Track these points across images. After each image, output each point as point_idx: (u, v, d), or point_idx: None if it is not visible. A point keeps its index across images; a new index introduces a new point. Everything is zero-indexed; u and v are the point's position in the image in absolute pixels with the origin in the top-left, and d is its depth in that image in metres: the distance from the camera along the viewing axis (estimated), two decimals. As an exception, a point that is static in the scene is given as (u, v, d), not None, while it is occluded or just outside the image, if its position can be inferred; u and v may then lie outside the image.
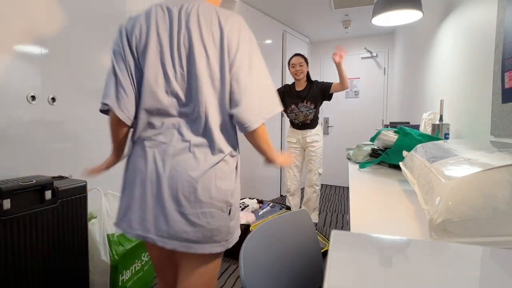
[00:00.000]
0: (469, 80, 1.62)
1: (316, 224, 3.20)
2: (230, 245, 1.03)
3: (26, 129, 1.57)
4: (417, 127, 2.06)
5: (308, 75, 3.00)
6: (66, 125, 1.78)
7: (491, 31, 1.35)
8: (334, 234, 0.52)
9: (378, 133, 1.55)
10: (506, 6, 1.19)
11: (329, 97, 2.99)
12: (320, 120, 5.46)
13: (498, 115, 1.25)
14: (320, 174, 3.12)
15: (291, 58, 3.00)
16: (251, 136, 1.03)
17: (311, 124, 3.06)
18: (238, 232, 1.09)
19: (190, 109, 1.00)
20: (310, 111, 3.00)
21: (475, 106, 1.53)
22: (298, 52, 3.03)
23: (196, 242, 0.96)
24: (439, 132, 1.62)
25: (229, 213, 1.02)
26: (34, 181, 1.35)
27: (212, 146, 1.00)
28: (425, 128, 1.89)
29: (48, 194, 1.40)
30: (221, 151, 1.01)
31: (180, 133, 1.00)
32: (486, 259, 0.44)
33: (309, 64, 3.01)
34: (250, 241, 0.83)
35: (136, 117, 1.04)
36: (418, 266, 0.42)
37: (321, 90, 2.94)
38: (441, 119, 1.65)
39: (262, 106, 1.01)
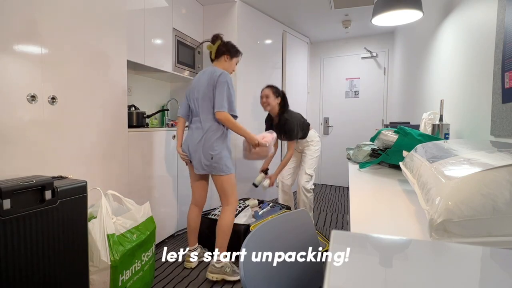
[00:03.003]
0: (469, 80, 1.62)
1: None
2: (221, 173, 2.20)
3: (26, 129, 1.57)
4: (417, 127, 2.06)
5: (283, 106, 2.93)
6: (66, 125, 1.78)
7: (491, 31, 1.35)
8: (334, 234, 0.52)
9: (378, 133, 1.55)
10: (506, 6, 1.19)
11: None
12: (320, 120, 5.47)
13: (498, 115, 1.25)
14: (309, 175, 2.98)
15: (262, 90, 2.95)
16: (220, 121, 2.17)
17: (301, 138, 3.03)
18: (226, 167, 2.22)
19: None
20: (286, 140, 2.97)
21: (475, 106, 1.53)
22: (270, 84, 2.97)
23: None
24: (439, 132, 1.62)
25: (211, 158, 2.16)
26: (34, 181, 1.35)
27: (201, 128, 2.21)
28: (425, 128, 1.89)
29: (48, 194, 1.40)
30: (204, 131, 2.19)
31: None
32: (486, 259, 0.44)
33: (281, 96, 2.92)
34: (250, 241, 0.83)
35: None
36: (418, 266, 0.42)
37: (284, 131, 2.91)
38: (441, 119, 1.65)
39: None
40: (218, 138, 2.18)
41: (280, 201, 3.17)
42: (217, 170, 2.18)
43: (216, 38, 2.32)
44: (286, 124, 2.84)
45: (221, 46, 2.31)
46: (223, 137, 2.21)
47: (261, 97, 2.90)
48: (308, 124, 3.07)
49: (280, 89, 2.96)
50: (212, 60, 2.37)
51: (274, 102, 2.86)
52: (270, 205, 3.00)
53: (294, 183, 3.20)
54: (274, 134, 2.59)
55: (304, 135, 3.01)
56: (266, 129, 3.09)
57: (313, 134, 3.08)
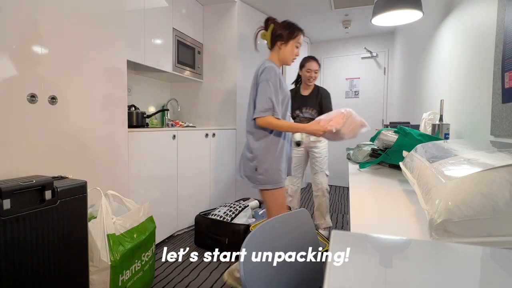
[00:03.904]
0: (469, 80, 1.62)
1: (330, 228, 3.09)
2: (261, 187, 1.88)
3: (26, 129, 1.57)
4: (417, 127, 2.06)
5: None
6: (66, 125, 1.78)
7: (491, 31, 1.35)
8: (334, 234, 0.52)
9: (378, 133, 1.55)
10: (506, 6, 1.19)
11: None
12: (320, 120, 5.47)
13: (498, 115, 1.25)
14: (328, 176, 3.00)
15: (307, 61, 2.88)
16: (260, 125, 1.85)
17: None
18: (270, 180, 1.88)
19: None
20: (314, 116, 2.89)
21: (475, 106, 1.53)
22: (312, 55, 2.94)
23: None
24: (439, 132, 1.62)
25: (256, 170, 1.87)
26: (34, 181, 1.35)
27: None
28: (425, 128, 1.89)
29: (48, 194, 1.40)
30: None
31: None
32: (486, 259, 0.44)
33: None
34: (250, 240, 0.83)
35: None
36: (418, 266, 0.42)
37: (321, 103, 2.91)
38: (441, 119, 1.65)
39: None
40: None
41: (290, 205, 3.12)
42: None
43: (268, 22, 1.94)
44: (324, 93, 2.87)
45: (275, 31, 1.91)
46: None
47: (308, 70, 2.85)
48: None
49: None
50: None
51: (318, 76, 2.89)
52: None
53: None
54: (343, 111, 1.92)
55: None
56: (295, 105, 2.96)
57: None
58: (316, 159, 2.99)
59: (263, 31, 1.96)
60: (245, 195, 3.75)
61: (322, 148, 3.00)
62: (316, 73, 2.84)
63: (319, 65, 2.88)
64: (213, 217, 2.70)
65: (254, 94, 1.86)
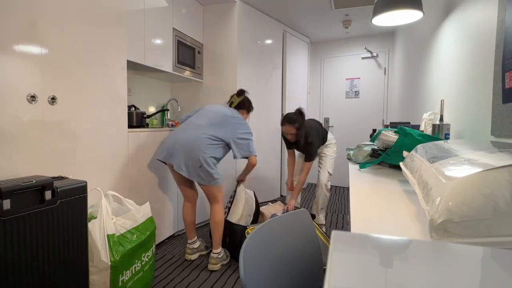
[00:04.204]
0: (469, 80, 1.62)
1: (323, 226, 3.14)
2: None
3: (26, 129, 1.57)
4: (417, 127, 2.06)
5: (299, 128, 2.85)
6: (66, 125, 1.78)
7: (491, 31, 1.35)
8: (335, 234, 0.52)
9: (379, 133, 1.55)
10: (507, 6, 1.19)
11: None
12: (320, 120, 5.47)
13: (499, 115, 1.25)
14: (330, 174, 3.13)
15: (282, 123, 2.89)
16: None
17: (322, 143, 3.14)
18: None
19: None
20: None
21: (475, 106, 1.53)
22: (288, 117, 2.84)
23: None
24: (439, 132, 1.62)
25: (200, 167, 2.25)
26: (34, 181, 1.35)
27: None
28: (426, 128, 1.89)
29: (48, 194, 1.40)
30: None
31: None
32: (486, 260, 0.44)
33: (300, 123, 2.83)
34: (250, 241, 0.83)
35: None
36: (419, 266, 0.42)
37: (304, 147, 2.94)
38: (441, 119, 1.65)
39: None
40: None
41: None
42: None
43: (242, 92, 2.63)
44: (311, 147, 2.89)
45: (244, 102, 2.62)
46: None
47: (285, 133, 2.91)
48: (326, 131, 3.14)
49: (296, 113, 2.87)
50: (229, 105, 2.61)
51: (297, 131, 2.84)
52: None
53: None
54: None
55: (324, 141, 3.11)
56: (286, 144, 3.10)
57: (330, 137, 3.19)
58: (322, 158, 3.18)
59: (234, 95, 2.65)
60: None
61: (332, 151, 3.18)
62: (291, 134, 2.85)
63: (295, 125, 2.79)
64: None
65: (231, 126, 2.38)
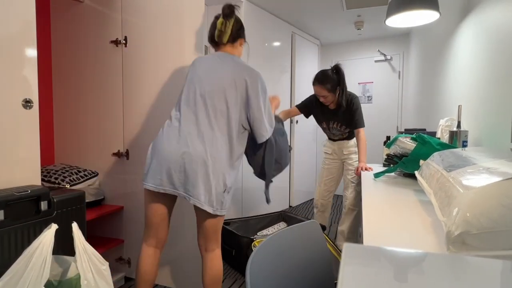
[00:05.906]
0: (488, 84, 1.62)
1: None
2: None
3: (21, 136, 1.59)
4: (433, 134, 2.05)
5: (340, 95, 2.52)
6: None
7: (512, 32, 1.36)
8: (346, 247, 0.52)
9: (395, 139, 1.54)
10: (528, 6, 1.20)
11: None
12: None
13: (521, 121, 1.25)
14: (359, 193, 2.67)
15: (313, 83, 2.56)
16: None
17: (348, 136, 2.75)
18: None
19: None
20: (343, 132, 2.70)
21: (495, 112, 1.52)
22: (318, 76, 2.54)
23: None
24: (456, 140, 1.61)
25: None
26: (29, 191, 1.36)
27: None
28: (442, 135, 1.88)
29: (44, 205, 1.41)
30: None
31: None
32: (506, 274, 0.44)
33: (339, 84, 2.51)
34: (256, 255, 0.83)
35: None
36: (435, 281, 0.43)
37: (348, 120, 2.60)
38: (459, 125, 1.65)
39: None
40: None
41: (319, 221, 2.90)
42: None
43: (231, 12, 1.65)
44: (352, 110, 2.52)
45: (237, 25, 1.71)
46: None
47: (317, 94, 2.58)
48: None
49: (332, 75, 2.50)
50: (217, 43, 1.72)
51: (332, 98, 2.51)
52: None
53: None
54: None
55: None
56: (311, 114, 2.79)
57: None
58: (349, 170, 2.77)
59: (220, 19, 1.66)
60: (253, 206, 3.74)
61: (355, 160, 2.74)
62: (325, 97, 2.52)
63: (327, 86, 2.47)
64: (227, 227, 2.73)
65: (239, 97, 1.60)
